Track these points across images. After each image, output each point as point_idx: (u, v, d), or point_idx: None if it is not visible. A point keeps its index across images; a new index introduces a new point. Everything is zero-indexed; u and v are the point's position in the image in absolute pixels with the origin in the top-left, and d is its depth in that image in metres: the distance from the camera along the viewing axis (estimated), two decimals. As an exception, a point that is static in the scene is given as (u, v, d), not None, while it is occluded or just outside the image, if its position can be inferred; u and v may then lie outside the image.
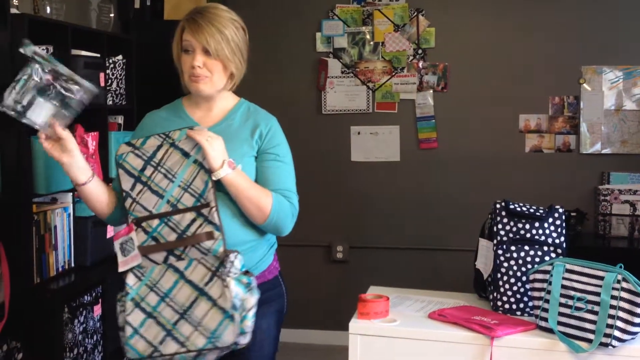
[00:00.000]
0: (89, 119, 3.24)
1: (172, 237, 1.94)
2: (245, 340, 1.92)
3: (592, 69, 4.21)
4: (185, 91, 2.13)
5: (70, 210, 3.02)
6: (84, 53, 3.17)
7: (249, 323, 1.91)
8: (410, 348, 2.09)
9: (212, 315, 1.89)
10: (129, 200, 1.98)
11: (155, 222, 1.95)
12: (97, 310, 3.08)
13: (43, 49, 2.89)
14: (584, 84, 4.22)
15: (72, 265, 3.04)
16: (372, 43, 4.43)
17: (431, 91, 4.39)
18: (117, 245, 1.99)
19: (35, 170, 2.79)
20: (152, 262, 1.96)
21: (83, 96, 1.95)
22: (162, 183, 1.96)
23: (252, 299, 1.93)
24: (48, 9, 3.16)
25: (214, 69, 2.04)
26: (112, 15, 3.77)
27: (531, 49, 4.26)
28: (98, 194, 2.06)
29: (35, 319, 2.73)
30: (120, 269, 1.98)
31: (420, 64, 4.39)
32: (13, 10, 2.78)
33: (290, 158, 2.19)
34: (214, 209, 1.93)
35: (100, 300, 3.10)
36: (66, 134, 1.96)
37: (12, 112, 1.91)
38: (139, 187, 1.97)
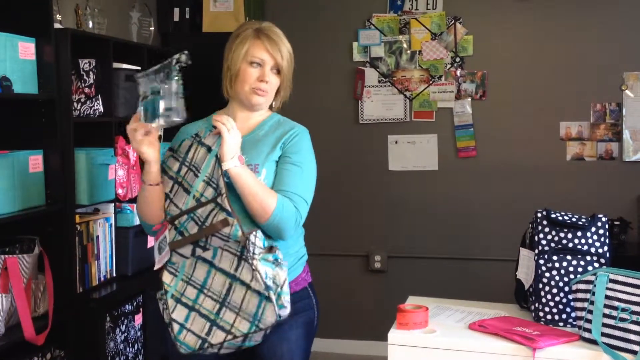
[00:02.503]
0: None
1: (194, 229, 1.97)
2: (286, 312, 1.92)
3: (634, 75, 4.13)
4: (227, 96, 2.18)
5: (112, 221, 3.07)
6: (125, 66, 3.22)
7: (286, 297, 1.92)
8: (450, 359, 2.07)
9: (249, 299, 1.90)
10: (167, 202, 2.03)
11: (184, 218, 1.98)
12: (138, 319, 3.12)
13: (85, 62, 2.96)
14: (627, 91, 4.15)
15: (114, 274, 3.09)
16: (409, 52, 4.42)
17: (469, 99, 4.36)
18: (155, 245, 2.08)
19: (78, 181, 2.85)
20: (181, 256, 1.99)
21: (173, 119, 2.00)
22: (191, 180, 2.00)
23: (282, 272, 1.93)
24: (90, 24, 3.23)
25: (275, 85, 2.13)
26: (152, 28, 3.83)
27: (571, 55, 4.20)
28: (158, 199, 2.07)
29: (78, 328, 2.78)
30: (156, 267, 2.05)
31: (458, 72, 4.36)
32: (57, 25, 2.85)
33: (311, 167, 2.15)
34: (223, 195, 1.95)
35: (141, 309, 3.13)
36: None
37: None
38: (175, 187, 2.03)
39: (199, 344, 1.94)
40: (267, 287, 1.89)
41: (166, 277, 1.99)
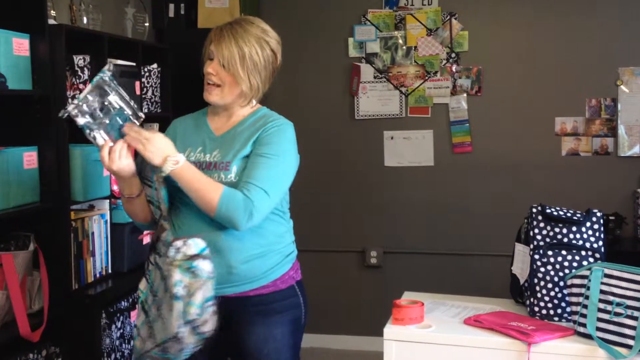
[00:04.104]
0: (125, 126, 3.29)
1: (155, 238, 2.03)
2: (205, 328, 1.89)
3: (629, 70, 4.14)
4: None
5: (108, 217, 3.07)
6: (120, 62, 3.21)
7: (194, 310, 1.86)
8: (446, 354, 2.07)
9: (167, 306, 1.91)
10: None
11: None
12: (134, 315, 3.11)
13: (80, 58, 2.95)
14: (622, 86, 4.15)
15: (109, 271, 3.09)
16: (404, 47, 4.42)
17: (465, 95, 4.36)
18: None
19: (73, 178, 2.84)
20: (150, 263, 2.03)
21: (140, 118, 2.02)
22: (149, 192, 2.08)
23: (197, 283, 1.87)
24: (85, 20, 3.22)
25: (225, 81, 2.07)
26: (147, 24, 3.82)
27: (567, 51, 4.21)
28: (143, 206, 2.12)
29: (74, 324, 2.78)
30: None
31: (454, 67, 4.36)
32: (51, 21, 2.84)
33: (283, 159, 2.05)
34: (163, 203, 2.01)
35: (137, 305, 3.13)
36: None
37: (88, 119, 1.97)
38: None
39: (142, 347, 2.00)
40: (176, 296, 1.87)
41: (142, 284, 2.05)
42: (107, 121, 1.95)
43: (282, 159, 2.04)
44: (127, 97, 1.99)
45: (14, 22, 2.60)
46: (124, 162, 1.96)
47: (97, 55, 3.05)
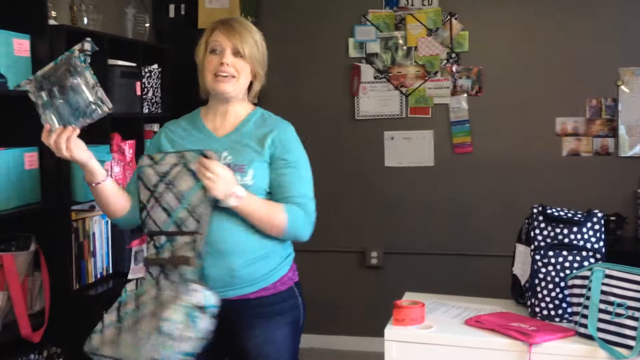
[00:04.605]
0: (126, 127, 3.30)
1: (168, 254, 1.96)
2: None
3: (629, 70, 4.13)
4: (204, 97, 2.16)
5: (108, 218, 3.07)
6: (120, 63, 3.22)
7: (166, 352, 1.85)
8: (447, 355, 2.07)
9: (147, 329, 1.88)
10: (144, 213, 2.01)
11: (163, 239, 1.98)
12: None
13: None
14: (622, 86, 4.15)
15: (110, 271, 3.09)
16: (405, 48, 4.42)
17: (465, 95, 4.36)
18: (132, 253, 2.03)
19: (74, 178, 2.84)
20: (150, 274, 1.99)
21: (101, 112, 1.88)
22: (172, 202, 1.97)
23: (190, 334, 1.86)
24: (85, 20, 3.22)
25: (242, 70, 2.07)
26: (147, 25, 3.82)
27: (567, 51, 4.20)
28: (112, 196, 2.05)
29: (75, 325, 2.78)
30: (130, 276, 2.03)
31: (454, 68, 4.36)
32: (51, 22, 2.84)
33: (305, 163, 2.13)
34: (201, 236, 1.93)
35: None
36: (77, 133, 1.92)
37: (36, 97, 1.87)
38: (152, 201, 2.00)
39: (97, 350, 1.96)
40: (162, 331, 1.85)
41: (129, 285, 2.02)
42: (61, 103, 1.84)
43: (303, 162, 2.12)
44: (94, 83, 1.85)
45: (15, 23, 2.61)
46: (75, 153, 1.90)
47: (98, 56, 3.04)
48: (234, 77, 2.06)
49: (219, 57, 2.05)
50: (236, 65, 2.06)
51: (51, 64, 1.86)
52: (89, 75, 1.85)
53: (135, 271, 2.05)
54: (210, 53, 2.07)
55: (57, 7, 3.10)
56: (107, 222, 3.06)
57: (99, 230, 3.01)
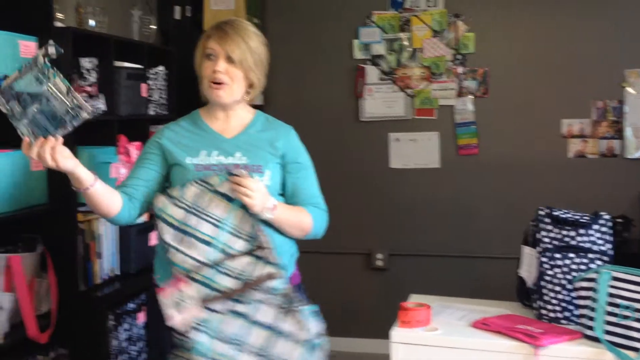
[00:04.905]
0: (132, 129, 3.30)
1: (231, 283, 1.92)
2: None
3: (635, 72, 4.12)
4: (205, 100, 2.16)
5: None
6: (126, 64, 3.22)
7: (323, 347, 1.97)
8: (453, 357, 2.07)
9: (293, 349, 1.92)
10: (172, 252, 1.94)
11: (208, 270, 1.92)
12: (141, 317, 3.12)
13: (87, 61, 2.95)
14: (628, 88, 4.14)
15: (117, 273, 3.10)
16: (410, 49, 4.42)
17: (471, 97, 4.35)
18: (166, 301, 1.92)
19: (80, 180, 2.84)
20: (211, 311, 1.93)
21: (81, 117, 1.78)
22: (210, 231, 1.94)
23: (321, 326, 1.98)
24: (92, 22, 3.23)
25: (235, 77, 2.07)
26: (153, 27, 3.83)
27: (573, 53, 4.19)
28: (103, 199, 1.99)
29: (82, 326, 2.79)
30: (177, 326, 1.92)
31: (460, 69, 4.35)
32: (58, 24, 2.85)
33: (311, 162, 2.22)
34: (269, 250, 1.94)
35: (144, 307, 3.14)
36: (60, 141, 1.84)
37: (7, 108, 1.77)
38: (184, 237, 1.94)
39: None
40: (314, 335, 1.94)
41: (192, 334, 1.91)
42: (35, 113, 1.75)
43: (310, 163, 2.21)
44: (67, 88, 1.75)
45: (21, 25, 2.61)
46: (61, 162, 1.83)
47: (104, 58, 3.07)
48: (227, 84, 2.07)
49: (212, 64, 2.06)
50: (229, 72, 2.06)
51: (15, 73, 1.76)
52: (60, 82, 1.75)
53: (184, 318, 1.90)
54: (205, 59, 2.08)
55: (64, 9, 3.10)
56: (113, 223, 3.07)
57: (105, 231, 3.02)
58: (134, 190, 2.09)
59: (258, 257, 1.94)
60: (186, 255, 1.93)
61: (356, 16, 4.46)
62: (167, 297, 1.91)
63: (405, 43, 4.42)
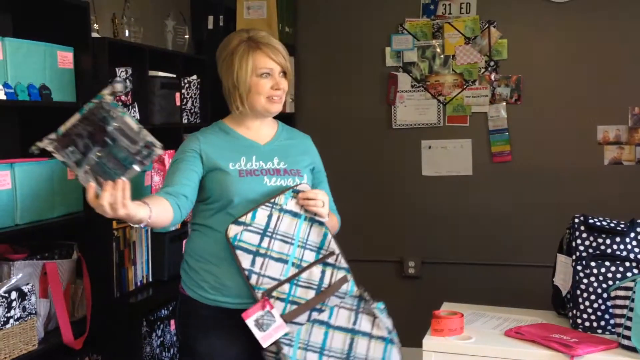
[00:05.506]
0: (165, 137, 3.33)
1: (309, 294, 2.02)
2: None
3: (674, 77, 4.05)
4: (236, 111, 2.20)
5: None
6: (160, 74, 3.27)
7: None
8: (486, 366, 2.05)
9: (374, 346, 2.03)
10: (253, 277, 2.02)
11: (286, 287, 2.02)
12: (174, 324, 3.15)
13: (122, 71, 3.00)
14: (666, 93, 4.06)
15: (150, 279, 3.13)
16: (442, 56, 4.40)
17: (504, 103, 4.32)
18: (250, 323, 1.98)
19: (115, 187, 2.89)
20: (296, 324, 2.01)
21: (154, 155, 1.65)
22: (283, 249, 2.04)
23: (388, 320, 2.13)
24: (127, 32, 3.29)
25: (286, 89, 2.21)
26: (186, 36, 3.88)
27: (608, 58, 4.14)
28: (158, 219, 1.96)
29: (115, 332, 2.82)
30: (265, 344, 1.98)
31: (493, 76, 4.32)
32: (94, 35, 2.90)
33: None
34: (339, 255, 2.07)
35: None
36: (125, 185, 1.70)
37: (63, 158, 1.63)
38: (260, 260, 2.03)
39: None
40: (389, 331, 2.05)
41: (286, 351, 1.99)
42: (100, 157, 1.62)
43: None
44: (136, 127, 1.61)
45: (59, 36, 2.66)
46: (131, 209, 1.71)
47: (139, 67, 3.11)
48: (282, 97, 2.19)
49: (270, 81, 2.14)
50: (283, 85, 2.18)
51: (76, 116, 1.64)
52: (130, 120, 1.64)
53: (270, 336, 1.98)
54: (259, 77, 2.14)
55: (100, 20, 3.16)
56: (147, 230, 3.10)
57: (139, 239, 3.05)
58: (181, 187, 2.08)
59: (327, 264, 2.05)
60: (264, 276, 2.02)
61: (388, 24, 4.46)
62: (249, 320, 1.98)
63: (438, 50, 4.40)
